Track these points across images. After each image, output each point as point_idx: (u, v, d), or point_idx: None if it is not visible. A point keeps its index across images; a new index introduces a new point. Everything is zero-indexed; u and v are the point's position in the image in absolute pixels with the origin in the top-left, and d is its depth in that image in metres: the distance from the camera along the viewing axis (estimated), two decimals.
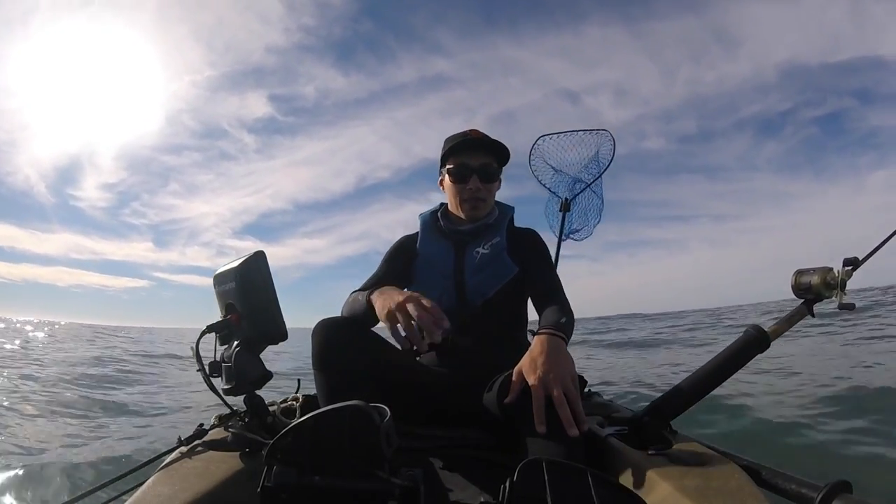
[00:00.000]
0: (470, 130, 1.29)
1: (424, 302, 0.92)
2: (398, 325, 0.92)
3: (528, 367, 0.91)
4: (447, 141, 1.32)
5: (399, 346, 0.94)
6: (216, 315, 0.98)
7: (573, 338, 1.07)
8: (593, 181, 2.10)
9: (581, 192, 2.11)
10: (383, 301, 0.98)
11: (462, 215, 1.30)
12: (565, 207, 2.10)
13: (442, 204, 1.40)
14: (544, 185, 2.19)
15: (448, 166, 1.29)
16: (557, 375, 0.87)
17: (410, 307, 0.91)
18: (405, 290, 1.33)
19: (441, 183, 1.35)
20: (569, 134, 2.15)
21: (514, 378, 0.92)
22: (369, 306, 1.04)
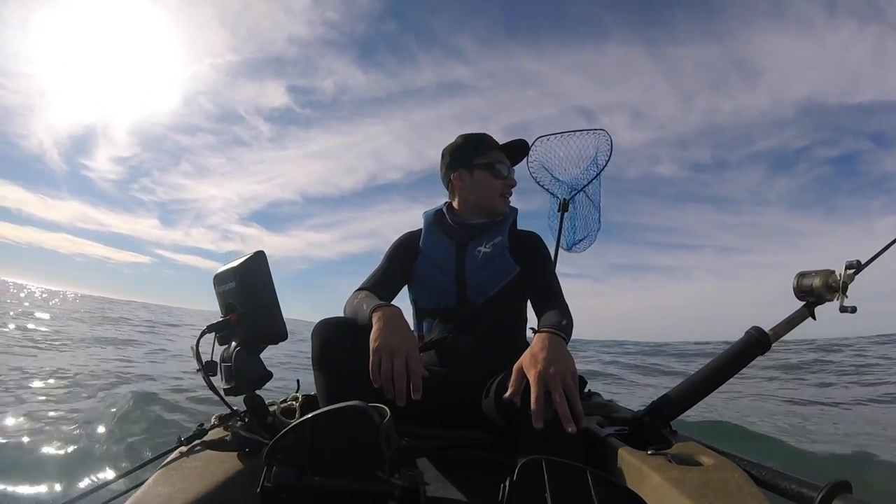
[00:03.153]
0: (487, 133, 1.36)
1: (412, 364, 0.92)
2: (379, 364, 0.93)
3: (529, 362, 0.91)
4: (470, 138, 1.36)
5: (373, 381, 0.94)
6: (214, 298, 0.98)
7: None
8: (590, 181, 2.10)
9: (578, 192, 2.12)
10: (380, 331, 0.96)
11: (497, 208, 1.33)
12: (564, 208, 2.10)
13: (446, 202, 1.40)
14: (542, 187, 2.19)
15: (483, 161, 1.32)
16: (557, 371, 0.87)
17: (398, 362, 0.92)
18: (405, 285, 1.34)
19: (457, 178, 1.34)
20: (566, 135, 2.15)
21: (514, 373, 0.92)
22: (370, 314, 1.03)
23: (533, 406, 0.84)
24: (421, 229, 1.38)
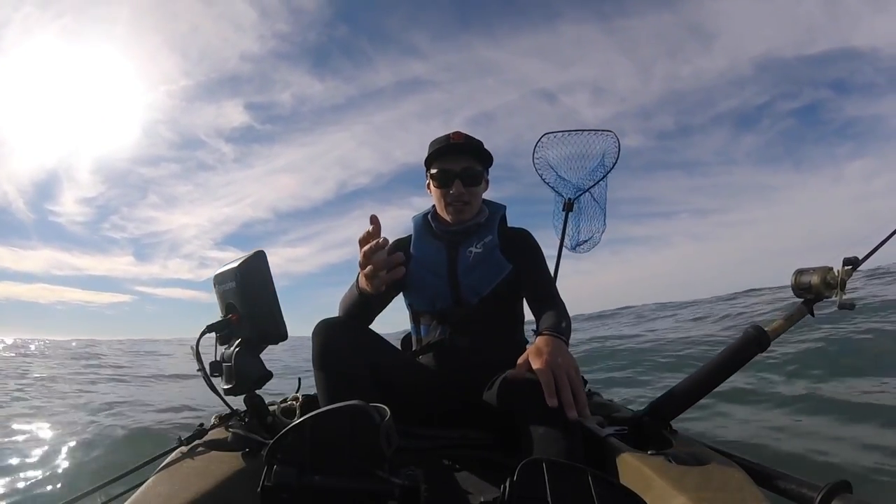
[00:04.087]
0: (452, 134, 1.27)
1: (370, 242, 0.95)
2: (369, 266, 0.97)
3: (534, 354, 0.93)
4: (430, 145, 1.31)
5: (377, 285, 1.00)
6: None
7: None
8: (596, 182, 2.09)
9: (584, 192, 2.11)
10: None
11: (448, 219, 1.30)
12: (569, 207, 2.09)
13: (433, 206, 1.40)
14: (547, 184, 2.18)
15: (431, 171, 1.29)
16: (563, 362, 0.90)
17: (367, 250, 0.95)
18: (399, 293, 1.34)
19: (428, 187, 1.35)
20: (573, 133, 2.14)
21: (519, 366, 0.94)
22: (357, 285, 1.08)
23: (545, 388, 0.87)
24: (409, 235, 1.37)
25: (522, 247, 1.32)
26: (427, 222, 1.36)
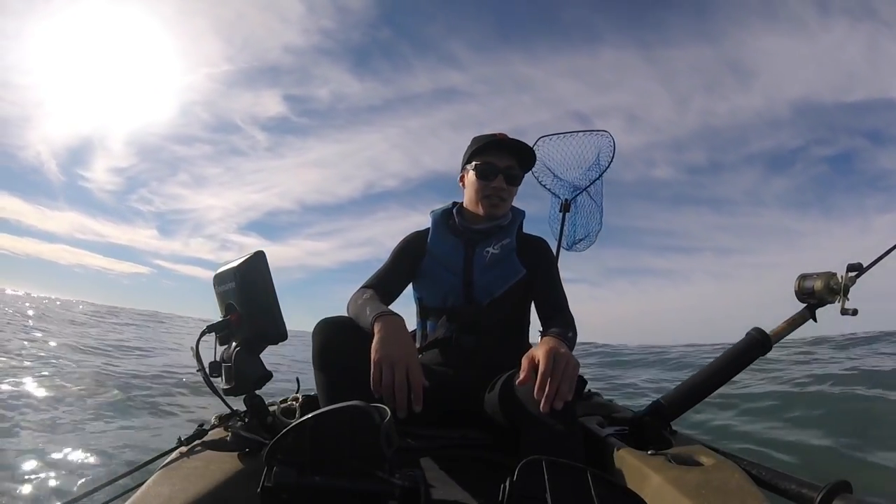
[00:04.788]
0: (498, 133, 1.30)
1: (413, 375, 0.92)
2: (381, 376, 0.92)
3: (538, 348, 0.93)
4: (476, 139, 1.33)
5: (374, 392, 0.93)
6: (214, 307, 0.98)
7: None
8: (592, 182, 2.10)
9: (580, 193, 2.12)
10: (380, 343, 0.95)
11: (481, 212, 1.30)
12: (565, 208, 2.10)
13: (455, 203, 1.40)
14: (544, 186, 2.19)
15: (475, 163, 1.29)
16: (566, 353, 0.90)
17: (399, 374, 0.91)
18: (409, 284, 1.33)
19: (462, 179, 1.36)
20: (568, 135, 2.15)
21: (523, 361, 0.93)
22: (371, 329, 1.00)
23: (541, 372, 0.86)
24: (428, 228, 1.37)
25: (538, 255, 1.33)
26: (447, 218, 1.36)
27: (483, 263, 1.27)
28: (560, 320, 1.17)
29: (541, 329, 1.19)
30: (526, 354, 0.94)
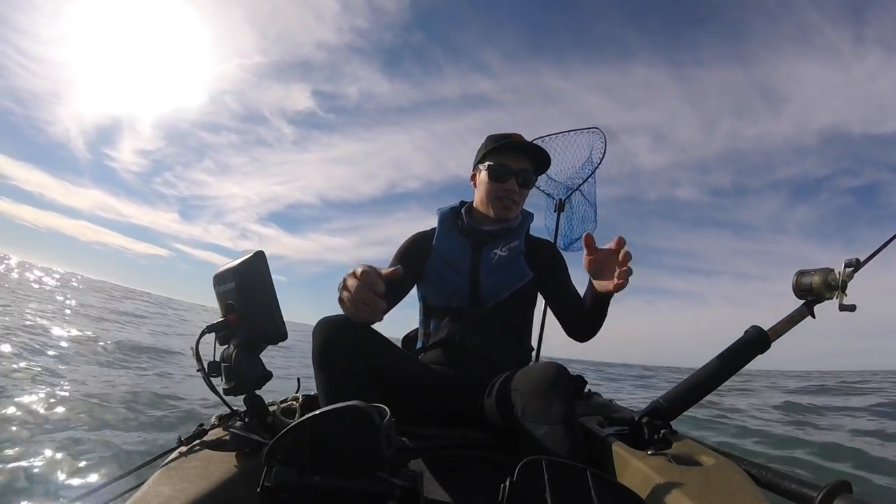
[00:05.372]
0: (513, 133, 1.29)
1: (358, 271, 0.89)
2: (345, 298, 0.91)
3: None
4: (490, 139, 1.32)
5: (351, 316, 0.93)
6: (219, 318, 0.97)
7: None
8: (585, 180, 2.11)
9: (574, 191, 2.13)
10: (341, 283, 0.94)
11: (492, 213, 1.30)
12: (560, 208, 2.11)
13: (463, 202, 1.40)
14: (538, 188, 2.20)
15: (488, 163, 1.28)
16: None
17: (349, 282, 0.90)
18: (413, 288, 1.33)
19: (473, 178, 1.35)
20: (561, 135, 2.15)
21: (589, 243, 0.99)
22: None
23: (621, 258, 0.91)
24: (434, 229, 1.37)
25: (549, 258, 1.33)
26: (455, 217, 1.36)
27: (490, 265, 1.27)
28: None
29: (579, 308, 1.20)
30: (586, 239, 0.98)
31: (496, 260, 1.27)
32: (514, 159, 1.27)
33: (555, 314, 1.31)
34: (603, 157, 2.06)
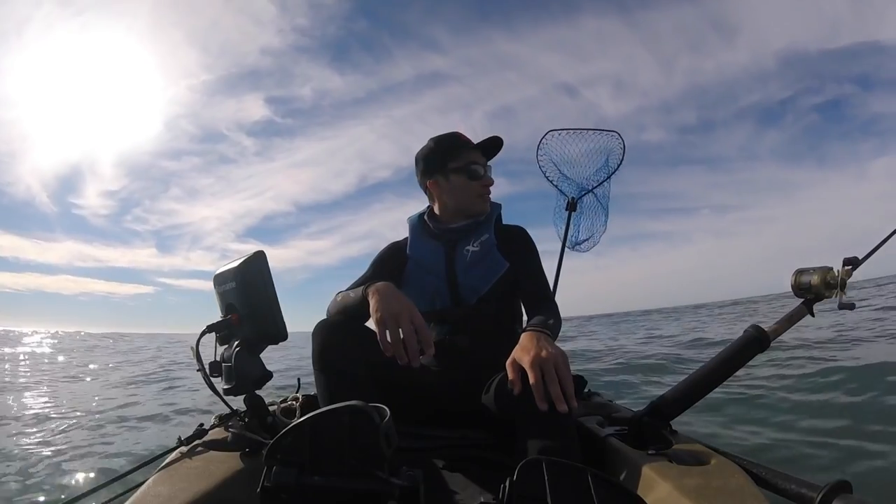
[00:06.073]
0: (455, 132, 1.34)
1: (417, 323, 0.91)
2: (387, 333, 0.91)
3: (521, 353, 0.91)
4: (441, 141, 1.32)
5: (384, 352, 0.93)
6: (220, 318, 0.98)
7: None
8: (599, 184, 2.08)
9: (587, 193, 2.10)
10: (379, 303, 0.95)
11: (476, 209, 1.31)
12: (572, 207, 2.09)
13: (428, 207, 1.39)
14: (551, 182, 2.17)
15: (456, 165, 1.29)
16: (550, 355, 0.87)
17: (405, 325, 0.91)
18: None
19: (433, 185, 1.33)
20: (578, 132, 2.13)
21: (508, 367, 0.91)
22: (364, 301, 1.00)
23: (533, 385, 0.84)
24: (406, 238, 1.37)
25: (519, 245, 1.32)
26: (423, 222, 1.36)
27: (465, 263, 1.26)
28: (543, 309, 1.14)
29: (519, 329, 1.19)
30: (508, 361, 0.92)
31: (470, 256, 1.27)
32: (475, 154, 1.31)
33: (521, 299, 1.30)
34: (621, 162, 2.04)
